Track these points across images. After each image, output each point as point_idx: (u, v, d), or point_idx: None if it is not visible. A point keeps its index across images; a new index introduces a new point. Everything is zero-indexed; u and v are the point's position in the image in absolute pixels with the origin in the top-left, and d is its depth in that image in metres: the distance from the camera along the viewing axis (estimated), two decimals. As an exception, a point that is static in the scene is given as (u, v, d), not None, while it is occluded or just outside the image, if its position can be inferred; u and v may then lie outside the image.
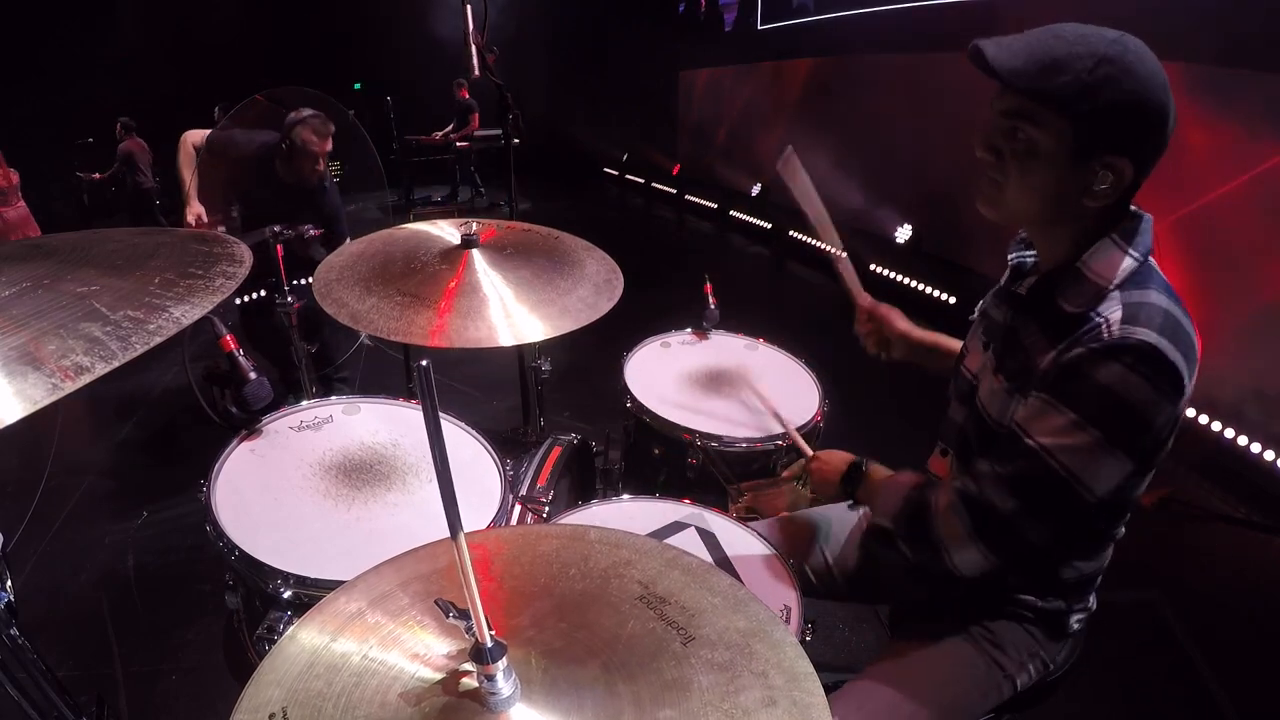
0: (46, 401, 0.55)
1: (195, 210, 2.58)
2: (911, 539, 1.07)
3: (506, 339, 1.34)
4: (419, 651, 0.68)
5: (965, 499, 1.00)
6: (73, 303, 0.65)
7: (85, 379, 0.57)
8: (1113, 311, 0.93)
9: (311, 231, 2.15)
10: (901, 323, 1.44)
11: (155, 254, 0.79)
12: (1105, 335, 0.91)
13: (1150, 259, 0.98)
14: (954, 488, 1.03)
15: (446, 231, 1.59)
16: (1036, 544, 0.98)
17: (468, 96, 8.34)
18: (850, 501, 1.28)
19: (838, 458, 1.29)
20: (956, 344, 1.40)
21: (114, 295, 0.67)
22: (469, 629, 0.61)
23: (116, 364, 0.59)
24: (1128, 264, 0.96)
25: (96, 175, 8.02)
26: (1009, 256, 1.19)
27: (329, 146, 2.70)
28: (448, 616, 0.63)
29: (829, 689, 1.12)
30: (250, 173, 2.73)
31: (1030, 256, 1.15)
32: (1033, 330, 1.02)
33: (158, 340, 0.63)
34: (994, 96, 0.98)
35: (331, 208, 2.85)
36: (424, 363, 0.55)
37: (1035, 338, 1.01)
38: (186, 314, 0.67)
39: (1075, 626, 1.17)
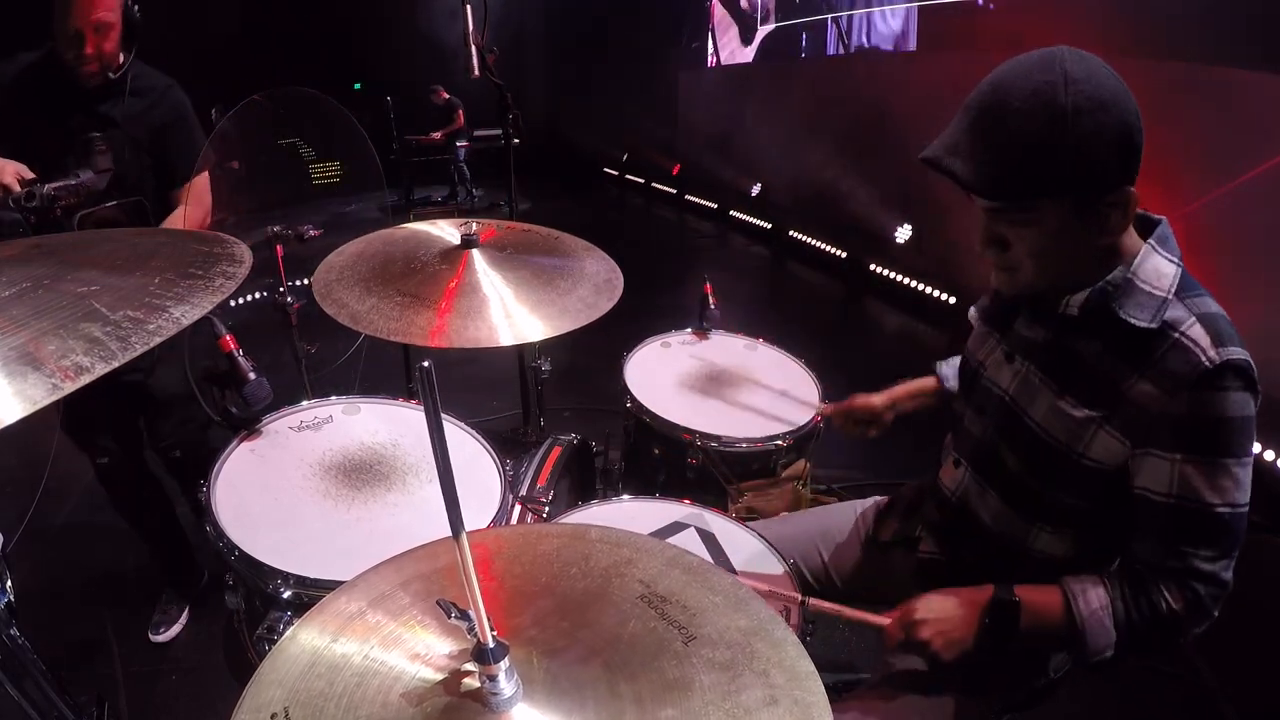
0: (46, 401, 0.55)
1: (12, 168, 1.55)
2: (1145, 650, 1.01)
3: (507, 339, 1.34)
4: (420, 651, 0.68)
5: (1204, 595, 0.96)
6: (73, 303, 0.65)
7: (85, 379, 0.57)
8: (1193, 328, 0.93)
9: (311, 232, 2.13)
10: (871, 399, 1.44)
11: (155, 254, 0.79)
12: (1208, 363, 0.91)
13: (1181, 263, 0.99)
14: (1183, 588, 0.97)
15: (446, 231, 1.59)
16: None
17: (447, 97, 8.36)
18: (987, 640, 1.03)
19: (957, 604, 1.04)
20: (926, 382, 1.44)
21: (114, 295, 0.67)
22: (471, 629, 0.61)
23: (116, 364, 0.59)
24: (1173, 270, 0.97)
25: None
26: None
27: (103, 15, 1.64)
28: (450, 617, 0.63)
29: (829, 689, 1.13)
30: (14, 97, 1.72)
31: None
32: (1097, 349, 1.00)
33: (157, 340, 0.63)
34: (972, 195, 0.95)
35: (138, 112, 1.77)
36: (426, 364, 0.55)
37: (1106, 358, 0.99)
38: (186, 314, 0.67)
39: None
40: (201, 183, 1.91)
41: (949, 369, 1.41)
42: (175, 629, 2.11)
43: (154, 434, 2.01)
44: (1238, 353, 0.92)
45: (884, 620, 1.07)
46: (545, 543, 0.82)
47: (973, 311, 1.28)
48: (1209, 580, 0.96)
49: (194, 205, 1.87)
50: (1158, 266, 0.97)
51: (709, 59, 7.75)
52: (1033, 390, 1.07)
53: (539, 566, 0.79)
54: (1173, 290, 0.96)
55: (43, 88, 1.71)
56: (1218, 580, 0.96)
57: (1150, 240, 0.98)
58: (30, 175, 1.55)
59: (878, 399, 1.44)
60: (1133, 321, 0.95)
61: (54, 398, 0.55)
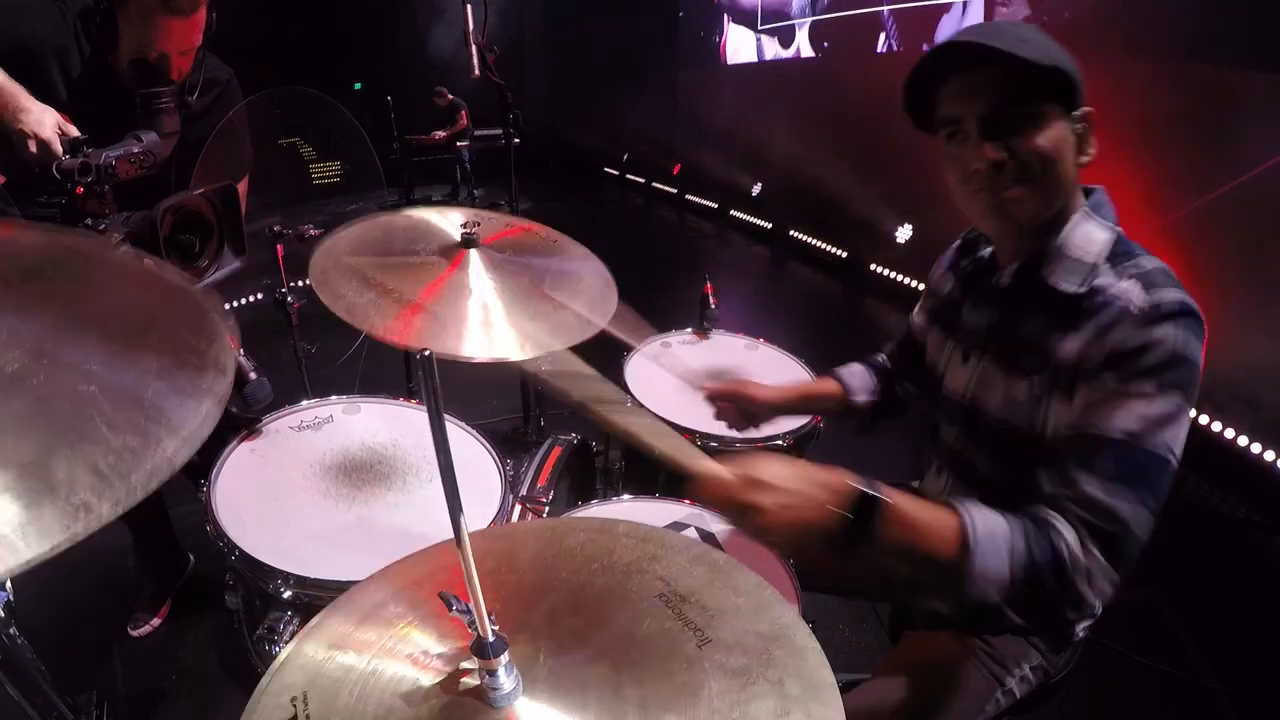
0: (63, 544, 0.50)
1: (52, 119, 1.27)
2: (1035, 607, 0.83)
3: (479, 352, 1.28)
4: (432, 646, 0.68)
5: (1092, 530, 0.84)
6: (74, 409, 0.58)
7: (94, 524, 0.52)
8: (1123, 287, 0.91)
9: (311, 231, 2.12)
10: (760, 391, 1.34)
11: (151, 328, 0.72)
12: (1136, 310, 0.89)
13: (1119, 228, 1.00)
14: (1072, 521, 0.84)
15: (449, 224, 1.54)
16: (1146, 540, 0.85)
17: (450, 99, 8.37)
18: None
19: (815, 483, 0.79)
20: (827, 386, 1.38)
21: (114, 403, 0.60)
22: (472, 623, 0.61)
23: (120, 510, 0.55)
24: (1106, 236, 0.97)
25: None
26: (952, 262, 1.21)
27: (196, 39, 1.46)
28: (451, 610, 0.63)
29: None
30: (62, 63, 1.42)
31: (985, 253, 1.15)
32: (1032, 321, 1.01)
33: (155, 485, 0.57)
34: (966, 100, 0.95)
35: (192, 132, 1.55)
36: (427, 351, 0.55)
37: (1041, 328, 0.99)
38: (179, 452, 0.61)
39: (1080, 634, 1.17)
40: (241, 191, 1.71)
41: (856, 380, 1.39)
42: (155, 623, 2.09)
43: None
44: (1171, 294, 0.89)
45: (720, 470, 0.82)
46: (572, 536, 0.81)
47: (917, 319, 1.30)
48: (1099, 510, 0.83)
49: None
50: (1089, 233, 0.97)
51: (719, 56, 7.70)
52: (987, 382, 1.07)
53: (562, 560, 0.78)
54: (1103, 256, 0.96)
55: (85, 83, 1.43)
56: (1112, 513, 0.83)
57: (1084, 208, 0.99)
58: (75, 131, 1.25)
59: (766, 394, 1.34)
60: (1060, 287, 0.96)
61: (68, 539, 0.50)
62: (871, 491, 0.79)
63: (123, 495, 0.52)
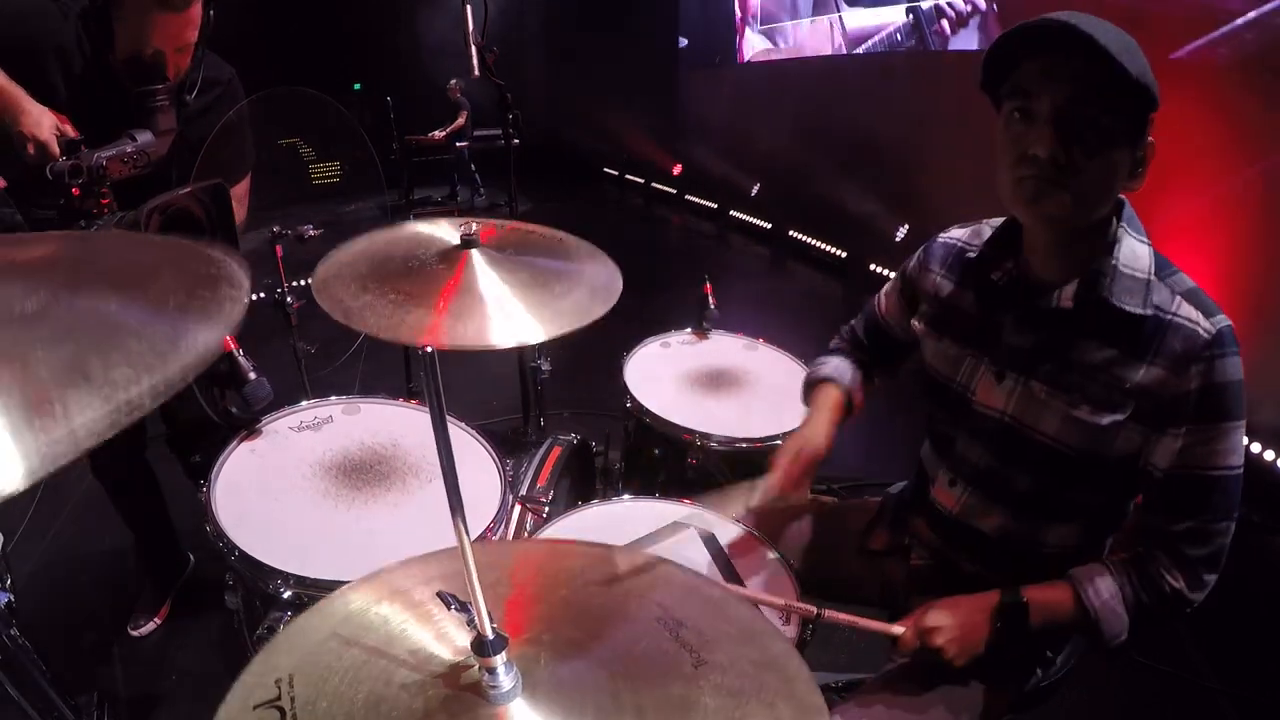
0: (105, 429, 0.49)
1: (49, 121, 1.30)
2: (1152, 624, 1.04)
3: (500, 340, 1.30)
4: (431, 641, 0.69)
5: (1202, 558, 1.00)
6: (101, 328, 0.59)
7: (136, 412, 0.52)
8: (1182, 307, 0.96)
9: (311, 231, 2.11)
10: (820, 449, 1.26)
11: (158, 273, 0.76)
12: (1205, 335, 0.94)
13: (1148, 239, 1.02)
14: (1179, 559, 1.00)
15: (446, 232, 1.57)
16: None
17: (458, 95, 8.35)
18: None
19: (968, 611, 1.05)
20: (831, 398, 1.32)
21: (138, 320, 0.62)
22: (470, 621, 0.61)
23: (160, 399, 0.54)
24: (1147, 250, 1.00)
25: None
26: (952, 265, 1.19)
27: (190, 35, 1.45)
28: (450, 608, 0.63)
29: (829, 689, 1.13)
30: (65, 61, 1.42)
31: (1008, 267, 1.09)
32: (1094, 348, 0.99)
33: (191, 373, 0.58)
34: (1049, 82, 0.90)
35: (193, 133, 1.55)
36: (429, 349, 0.56)
37: (1107, 353, 0.99)
38: (209, 339, 0.62)
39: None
40: (243, 190, 1.71)
41: (835, 368, 1.35)
42: (155, 623, 2.09)
43: (176, 447, 2.01)
44: (1223, 320, 0.96)
45: (897, 630, 1.08)
46: (571, 559, 0.83)
47: (915, 325, 1.23)
48: (1205, 542, 0.99)
49: (237, 205, 1.64)
50: (1133, 249, 0.99)
51: (735, 55, 7.66)
52: (1037, 405, 1.04)
53: (561, 579, 0.79)
54: (1153, 272, 0.98)
55: (87, 83, 1.42)
56: (1214, 543, 0.99)
57: (1122, 224, 1.00)
58: (73, 133, 1.27)
59: (824, 443, 1.26)
60: (1127, 309, 0.97)
61: (111, 425, 0.50)
62: (1014, 600, 1.03)
63: (161, 384, 0.53)
